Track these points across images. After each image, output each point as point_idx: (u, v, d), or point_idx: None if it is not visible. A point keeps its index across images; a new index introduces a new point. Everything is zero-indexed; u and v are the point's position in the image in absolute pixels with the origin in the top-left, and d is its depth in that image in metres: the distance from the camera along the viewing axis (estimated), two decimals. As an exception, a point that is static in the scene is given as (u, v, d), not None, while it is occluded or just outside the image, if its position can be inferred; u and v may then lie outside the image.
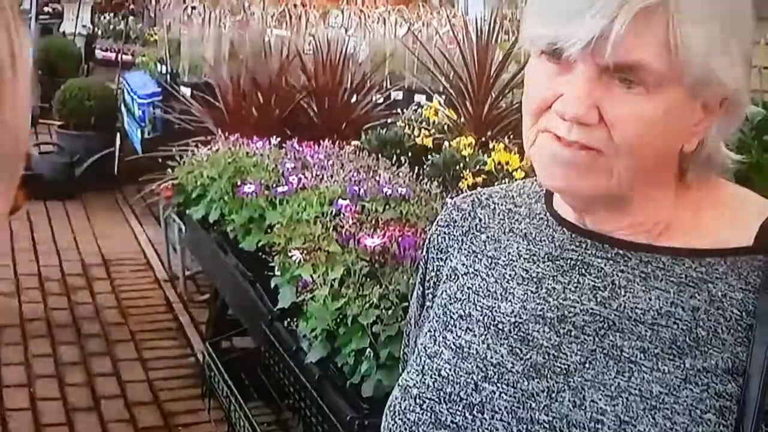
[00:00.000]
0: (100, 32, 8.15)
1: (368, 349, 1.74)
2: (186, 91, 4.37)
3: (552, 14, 0.68)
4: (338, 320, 1.81)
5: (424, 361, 0.78)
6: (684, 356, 0.69)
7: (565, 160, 0.69)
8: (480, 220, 0.84)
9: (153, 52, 5.80)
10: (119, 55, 6.65)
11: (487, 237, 0.82)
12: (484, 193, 0.87)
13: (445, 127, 3.02)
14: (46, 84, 7.17)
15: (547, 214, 0.80)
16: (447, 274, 0.83)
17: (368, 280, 1.85)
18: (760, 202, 0.77)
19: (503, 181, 2.39)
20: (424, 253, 0.89)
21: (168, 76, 4.96)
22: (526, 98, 0.73)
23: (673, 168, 0.73)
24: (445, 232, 0.86)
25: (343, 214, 2.18)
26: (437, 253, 0.86)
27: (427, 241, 0.89)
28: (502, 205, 0.84)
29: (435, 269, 0.86)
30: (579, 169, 0.69)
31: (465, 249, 0.83)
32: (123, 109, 5.81)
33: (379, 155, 2.81)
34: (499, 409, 0.72)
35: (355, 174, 2.51)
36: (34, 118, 7.10)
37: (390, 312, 1.74)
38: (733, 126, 0.74)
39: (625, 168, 0.69)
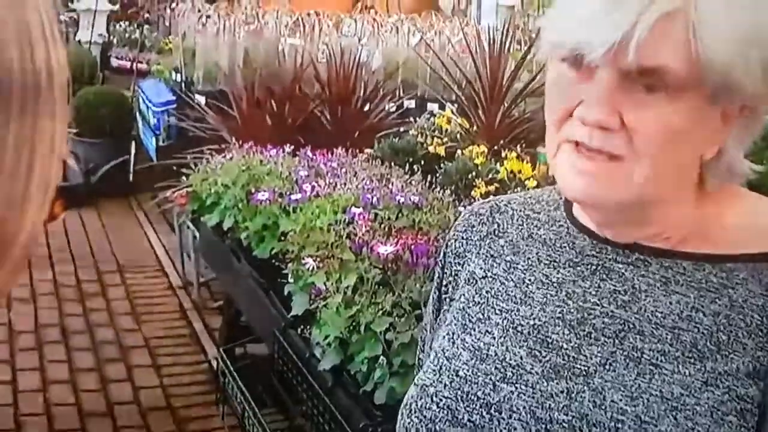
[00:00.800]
0: (115, 41, 8.18)
1: (381, 357, 1.74)
2: (200, 99, 4.38)
3: (572, 21, 0.69)
4: (351, 328, 1.81)
5: (442, 362, 0.78)
6: (705, 359, 0.69)
7: (586, 170, 0.69)
8: (498, 225, 0.84)
9: (168, 60, 5.81)
10: (134, 64, 6.67)
11: (506, 242, 0.83)
12: (502, 200, 0.88)
13: (458, 135, 3.02)
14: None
15: (567, 221, 0.80)
16: (465, 279, 0.84)
17: (381, 287, 1.86)
18: None
19: (515, 189, 2.39)
20: (441, 258, 0.89)
21: (183, 85, 4.97)
22: (547, 108, 0.73)
23: (694, 176, 0.73)
24: (463, 237, 0.86)
25: (357, 222, 2.18)
26: (455, 258, 0.86)
27: (444, 246, 0.89)
28: (520, 211, 0.85)
29: (453, 274, 0.86)
30: (600, 178, 0.69)
31: (483, 253, 0.83)
32: (138, 117, 5.84)
33: (392, 163, 2.80)
34: (518, 409, 0.72)
35: (368, 182, 2.51)
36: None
37: (403, 319, 1.74)
38: (753, 134, 0.74)
39: (646, 175, 0.69)
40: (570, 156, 0.70)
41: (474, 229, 0.86)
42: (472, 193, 2.50)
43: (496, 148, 2.76)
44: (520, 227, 0.83)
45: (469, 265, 0.84)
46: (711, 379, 0.68)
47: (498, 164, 2.62)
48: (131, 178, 5.87)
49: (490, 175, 2.58)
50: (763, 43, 0.69)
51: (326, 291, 1.93)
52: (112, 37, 8.27)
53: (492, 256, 0.82)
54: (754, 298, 0.70)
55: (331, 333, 1.86)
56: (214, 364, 3.29)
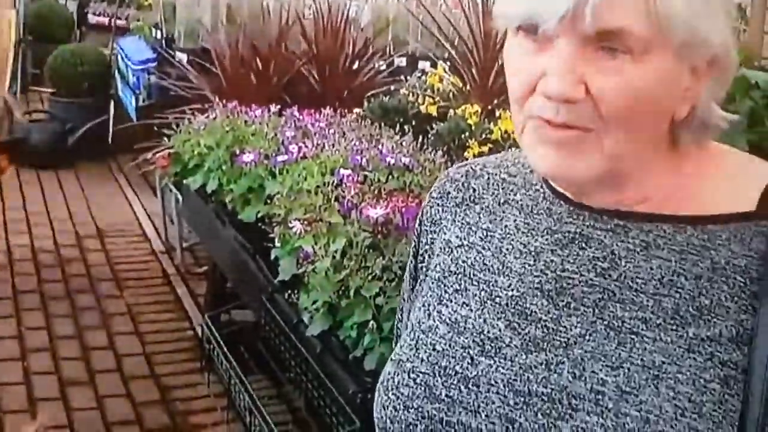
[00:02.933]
0: (92, -4, 8.04)
1: (371, 322, 1.73)
2: (182, 56, 4.34)
3: None
4: (340, 292, 1.80)
5: (418, 336, 0.77)
6: (687, 325, 0.68)
7: (555, 142, 0.68)
8: (474, 190, 0.83)
9: (148, 16, 5.73)
10: (113, 20, 6.61)
11: (482, 208, 0.81)
12: (478, 164, 0.86)
13: (450, 94, 3.01)
14: (37, 50, 7.09)
15: (543, 186, 0.78)
16: (440, 247, 0.82)
17: (371, 251, 1.84)
18: (761, 166, 0.75)
19: (510, 150, 2.35)
20: (417, 225, 0.87)
21: (163, 42, 4.91)
22: (509, 83, 0.71)
23: (666, 136, 0.72)
24: (438, 204, 0.85)
25: (345, 184, 2.16)
26: (430, 226, 0.85)
27: (420, 213, 0.88)
28: (496, 175, 0.83)
29: (428, 242, 0.85)
30: (569, 149, 0.68)
31: (459, 221, 0.82)
32: (117, 75, 5.77)
33: (382, 124, 2.78)
34: (496, 383, 0.71)
35: (358, 143, 2.48)
36: (25, 85, 7.02)
37: (393, 284, 1.72)
38: (724, 85, 0.72)
39: (616, 142, 0.67)
40: (539, 130, 0.69)
41: (449, 195, 0.84)
42: (465, 153, 2.50)
43: (489, 107, 2.76)
44: (495, 192, 0.81)
45: (444, 233, 0.83)
46: (693, 346, 0.67)
47: (491, 124, 2.60)
48: (110, 139, 5.79)
49: (483, 135, 2.58)
50: None
51: (314, 255, 1.91)
52: (89, -8, 8.12)
53: (468, 224, 0.81)
54: (736, 259, 0.69)
55: (319, 298, 1.84)
56: (199, 331, 3.26)
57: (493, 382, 0.71)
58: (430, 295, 0.80)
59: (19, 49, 6.46)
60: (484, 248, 0.78)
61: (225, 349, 2.63)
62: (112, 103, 5.73)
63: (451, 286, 0.78)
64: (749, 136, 1.77)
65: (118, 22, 6.48)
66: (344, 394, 1.76)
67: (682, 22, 0.64)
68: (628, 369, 0.67)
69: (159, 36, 5.03)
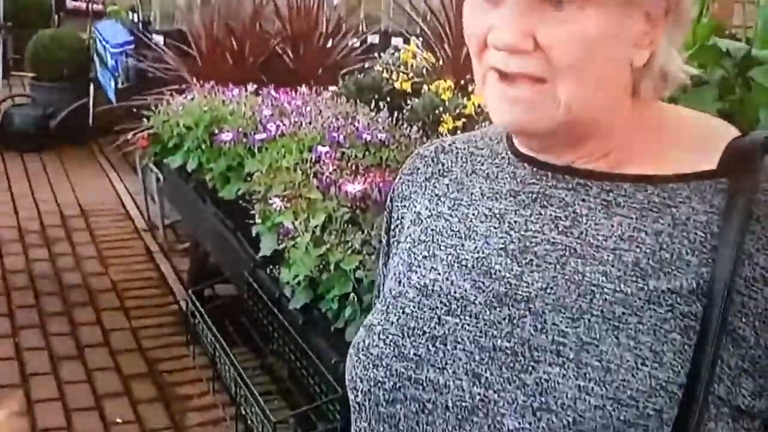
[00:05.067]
0: (69, -18, 7.94)
1: (351, 295, 1.76)
2: (159, 39, 4.29)
3: None
4: (321, 267, 1.82)
5: (389, 302, 0.78)
6: (647, 278, 0.68)
7: (512, 97, 0.69)
8: (443, 165, 0.84)
9: (124, 0, 5.66)
10: (90, 5, 6.50)
11: (450, 180, 0.83)
12: (447, 140, 0.88)
13: (424, 70, 2.99)
14: (16, 35, 7.01)
15: (508, 152, 0.80)
16: (411, 220, 0.84)
17: (350, 226, 1.87)
18: (721, 125, 0.76)
19: (483, 124, 2.38)
20: (388, 202, 0.89)
21: (140, 25, 4.87)
22: (466, 40, 0.73)
23: (626, 86, 0.72)
24: (408, 180, 0.86)
25: (323, 161, 2.17)
26: (401, 201, 0.86)
27: (390, 191, 0.89)
28: (464, 149, 0.84)
29: (399, 217, 0.86)
30: (526, 102, 0.69)
31: (428, 193, 0.83)
32: (96, 59, 5.71)
33: (357, 101, 2.78)
34: (462, 340, 0.72)
35: (334, 120, 2.49)
36: (6, 71, 6.96)
37: (372, 257, 1.74)
38: (682, 34, 0.73)
39: (570, 92, 0.68)
40: (496, 85, 0.70)
41: (419, 171, 0.86)
42: (440, 128, 2.48)
43: (462, 82, 2.73)
44: (464, 165, 0.83)
45: (414, 206, 0.84)
46: (654, 297, 0.67)
47: (465, 99, 2.60)
48: (91, 122, 5.76)
49: (457, 110, 2.56)
50: None
51: (294, 231, 1.93)
52: (65, -22, 8.01)
53: (437, 195, 0.82)
54: (697, 215, 0.70)
55: (300, 272, 1.87)
56: (183, 305, 3.30)
57: (459, 339, 0.72)
58: (401, 264, 0.81)
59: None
60: (451, 216, 0.79)
61: (209, 323, 2.64)
62: (91, 87, 5.69)
63: (420, 253, 0.79)
64: (720, 105, 1.72)
65: (95, 6, 6.37)
66: (326, 364, 1.80)
67: None
68: (589, 320, 0.68)
69: (135, 19, 4.98)
